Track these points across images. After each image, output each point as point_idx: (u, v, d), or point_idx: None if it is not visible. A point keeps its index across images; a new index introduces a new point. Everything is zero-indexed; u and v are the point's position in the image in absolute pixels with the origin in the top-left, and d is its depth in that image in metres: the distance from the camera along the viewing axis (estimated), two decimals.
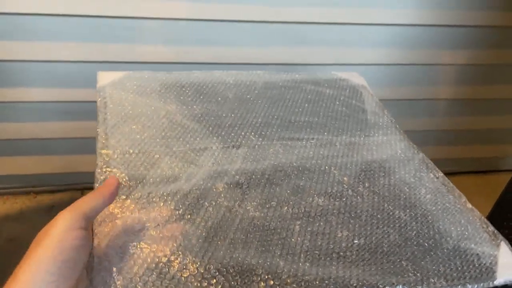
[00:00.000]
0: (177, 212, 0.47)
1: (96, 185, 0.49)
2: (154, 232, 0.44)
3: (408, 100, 1.21)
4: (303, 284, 0.41)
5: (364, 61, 1.10)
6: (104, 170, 0.51)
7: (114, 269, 0.39)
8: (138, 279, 0.39)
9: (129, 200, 0.47)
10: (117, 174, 0.50)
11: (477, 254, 0.47)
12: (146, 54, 1.02)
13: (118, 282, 0.38)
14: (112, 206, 0.46)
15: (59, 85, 1.02)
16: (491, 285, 0.45)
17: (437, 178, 0.58)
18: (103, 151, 0.54)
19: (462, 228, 0.51)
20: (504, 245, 0.49)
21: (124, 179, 0.50)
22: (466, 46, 1.17)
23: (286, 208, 0.50)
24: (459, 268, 0.46)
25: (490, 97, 1.30)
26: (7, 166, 1.13)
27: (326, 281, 0.42)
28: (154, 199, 0.48)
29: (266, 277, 0.41)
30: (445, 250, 0.47)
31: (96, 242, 0.42)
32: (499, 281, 0.45)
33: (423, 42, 1.13)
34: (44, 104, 1.05)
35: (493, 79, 1.27)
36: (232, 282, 0.40)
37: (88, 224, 0.38)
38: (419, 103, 1.25)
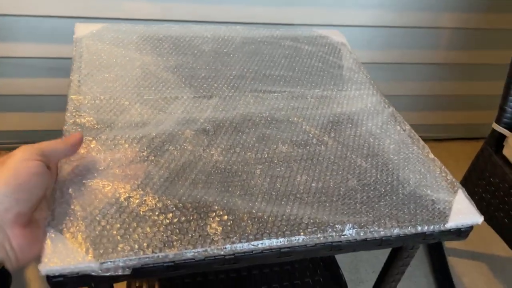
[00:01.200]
0: (141, 154, 0.48)
1: (65, 127, 0.50)
2: (118, 171, 0.46)
3: (397, 64, 1.21)
4: (256, 219, 0.43)
5: (352, 22, 1.09)
6: (73, 114, 0.52)
7: (75, 201, 0.41)
8: (98, 211, 0.41)
9: (95, 142, 0.49)
10: (86, 118, 0.52)
11: (432, 200, 0.49)
12: (132, 11, 1.01)
13: (78, 213, 0.40)
14: None
15: (46, 40, 1.03)
16: (442, 228, 0.47)
17: (404, 130, 0.59)
18: (74, 97, 0.55)
19: (421, 176, 0.52)
20: (460, 193, 0.51)
21: (92, 123, 0.51)
22: (458, 9, 1.16)
23: (249, 153, 0.51)
24: (412, 212, 0.47)
25: (482, 62, 1.29)
26: None
27: (279, 218, 0.43)
28: (120, 141, 0.49)
29: (221, 212, 0.43)
30: (401, 195, 0.49)
31: (60, 178, 0.43)
32: (450, 224, 0.47)
33: (414, 4, 1.11)
34: (32, 60, 1.06)
35: (485, 44, 1.26)
36: (188, 216, 0.42)
37: (45, 159, 0.39)
38: (408, 67, 1.24)
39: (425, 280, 1.06)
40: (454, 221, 0.47)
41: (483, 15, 1.19)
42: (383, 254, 1.09)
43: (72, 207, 0.41)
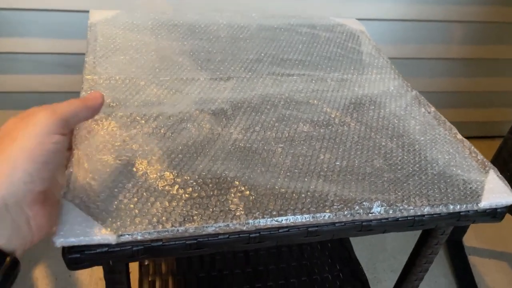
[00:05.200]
0: (159, 131, 0.47)
1: None
2: (134, 147, 0.44)
3: (408, 59, 1.18)
4: (279, 195, 0.41)
5: (366, 15, 1.08)
6: (88, 92, 0.51)
7: (91, 175, 0.40)
8: (115, 186, 0.39)
9: (110, 118, 0.47)
10: None
11: (463, 180, 0.46)
12: (143, 4, 1.01)
13: (95, 187, 0.39)
14: (92, 122, 0.46)
15: (57, 35, 1.02)
16: (475, 207, 0.44)
17: (429, 112, 0.57)
18: (89, 77, 0.53)
19: (450, 157, 0.50)
20: (492, 173, 0.48)
21: (108, 101, 0.50)
22: (476, 2, 1.13)
23: (269, 132, 0.49)
24: (443, 191, 0.45)
25: (499, 57, 1.26)
26: (3, 120, 1.13)
27: (303, 194, 0.41)
28: (136, 118, 0.48)
29: (243, 188, 0.41)
30: (430, 175, 0.47)
31: (76, 154, 0.42)
32: (484, 204, 0.44)
33: None
34: (42, 56, 1.05)
35: (503, 38, 1.23)
36: (209, 192, 0.40)
37: (67, 130, 0.36)
38: (423, 62, 1.22)
39: (445, 280, 1.02)
40: (487, 200, 0.44)
41: (498, 8, 1.16)
42: (401, 254, 1.06)
43: (88, 181, 0.39)
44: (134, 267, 0.81)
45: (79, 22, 1.00)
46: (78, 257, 0.35)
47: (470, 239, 1.13)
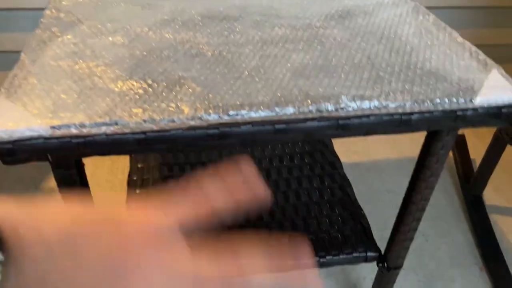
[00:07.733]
0: (119, 41, 0.43)
1: (42, 20, 0.46)
2: (88, 52, 0.41)
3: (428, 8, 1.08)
4: (234, 92, 0.37)
5: None
6: (53, 11, 0.48)
7: (35, 77, 0.37)
8: (55, 84, 0.36)
9: (72, 29, 0.44)
10: (67, 16, 0.47)
11: (458, 77, 0.40)
12: None
13: (36, 86, 0.36)
14: (51, 33, 0.43)
15: None
16: (469, 104, 0.38)
17: (428, 20, 0.50)
18: None
19: (445, 57, 0.43)
20: (495, 71, 0.41)
21: (72, 18, 0.47)
22: None
23: (239, 36, 0.45)
24: (431, 87, 0.39)
25: None
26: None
27: (262, 90, 0.37)
28: (101, 30, 0.45)
29: (194, 85, 0.37)
30: (418, 71, 0.41)
31: (22, 60, 0.39)
32: (481, 100, 0.38)
33: None
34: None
35: None
36: (157, 90, 0.37)
37: None
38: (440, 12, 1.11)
39: (463, 237, 0.94)
40: (485, 96, 0.38)
41: None
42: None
43: (31, 81, 0.37)
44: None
45: None
46: (11, 148, 0.33)
47: (491, 198, 1.03)
